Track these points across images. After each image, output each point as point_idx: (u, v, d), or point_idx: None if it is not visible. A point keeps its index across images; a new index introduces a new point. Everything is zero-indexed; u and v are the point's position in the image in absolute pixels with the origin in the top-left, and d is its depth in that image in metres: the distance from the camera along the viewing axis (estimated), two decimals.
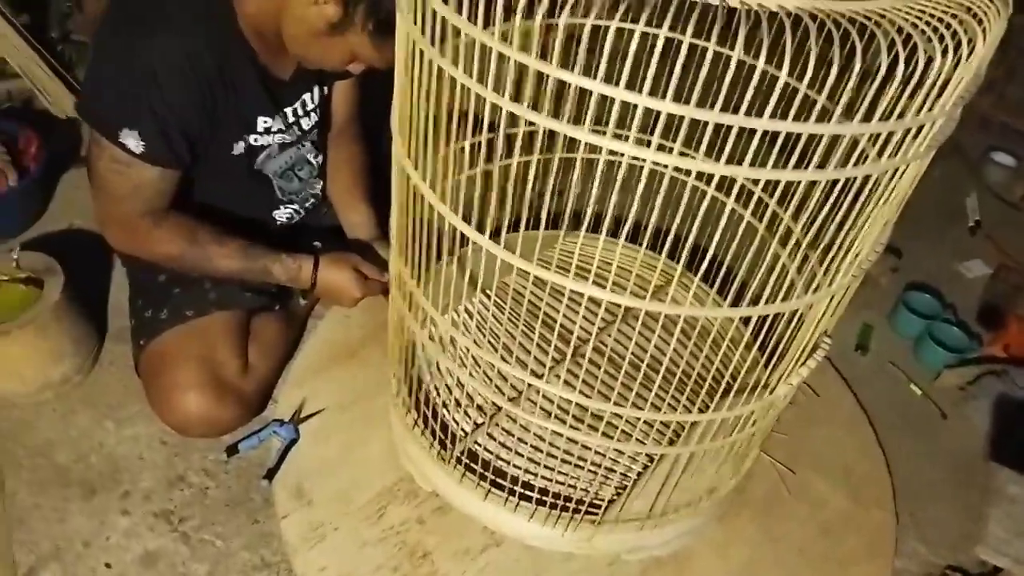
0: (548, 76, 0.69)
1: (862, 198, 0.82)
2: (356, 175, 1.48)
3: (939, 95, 0.70)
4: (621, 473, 1.21)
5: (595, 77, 0.67)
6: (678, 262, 0.86)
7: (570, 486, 1.17)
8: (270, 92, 1.24)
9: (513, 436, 1.20)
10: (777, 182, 0.72)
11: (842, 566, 1.25)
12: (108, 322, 1.46)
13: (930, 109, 0.70)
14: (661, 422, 1.20)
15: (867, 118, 0.69)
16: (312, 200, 1.47)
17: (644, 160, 0.70)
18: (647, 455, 1.23)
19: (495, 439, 1.24)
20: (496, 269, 0.88)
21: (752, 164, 0.70)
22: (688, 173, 0.97)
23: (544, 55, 0.72)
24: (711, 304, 0.85)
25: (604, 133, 0.72)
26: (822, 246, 0.92)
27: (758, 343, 1.04)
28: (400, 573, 1.14)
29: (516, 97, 0.74)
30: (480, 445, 1.22)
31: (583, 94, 0.71)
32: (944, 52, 0.66)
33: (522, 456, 1.20)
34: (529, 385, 0.97)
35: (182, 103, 1.10)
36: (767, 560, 1.24)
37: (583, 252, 1.42)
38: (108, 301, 1.50)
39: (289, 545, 1.15)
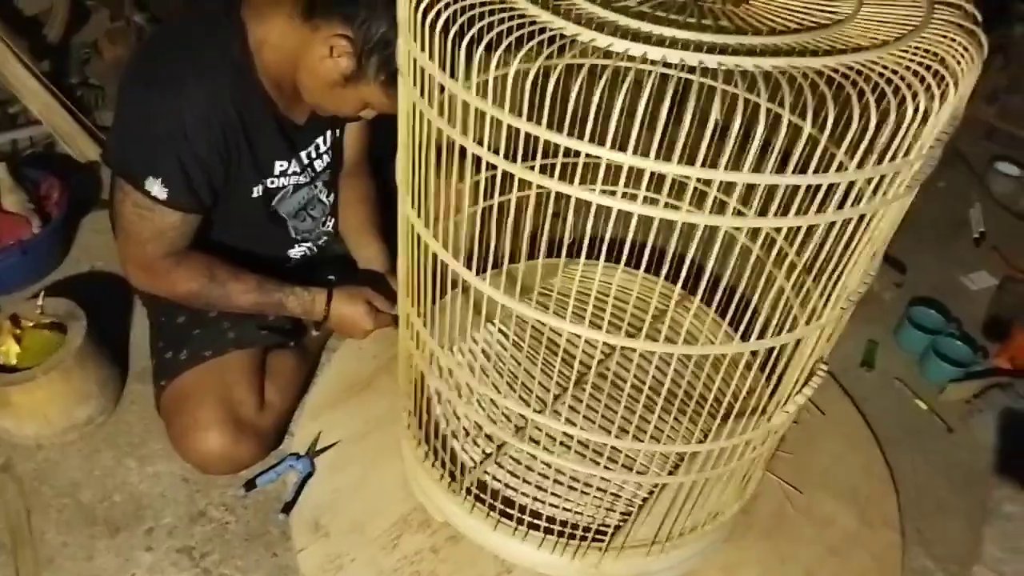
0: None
1: (847, 237, 0.85)
2: (367, 211, 1.53)
3: (912, 141, 0.73)
4: (626, 500, 1.24)
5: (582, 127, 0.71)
6: (677, 283, 0.89)
7: (576, 513, 1.20)
8: (286, 137, 1.29)
9: (521, 465, 1.23)
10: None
11: None
12: (130, 362, 1.51)
13: (906, 155, 0.73)
14: (661, 452, 1.22)
15: (846, 164, 0.73)
16: (325, 238, 1.52)
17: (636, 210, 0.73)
18: (651, 483, 1.26)
19: (504, 468, 1.27)
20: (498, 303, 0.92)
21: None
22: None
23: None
24: (704, 340, 0.87)
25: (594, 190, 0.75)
26: (815, 275, 0.95)
27: (758, 363, 1.06)
28: None
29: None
30: (489, 475, 1.26)
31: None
32: (916, 106, 0.69)
33: (530, 484, 1.23)
34: (530, 419, 1.00)
35: (206, 152, 1.16)
36: None
37: (585, 278, 1.48)
38: (130, 341, 1.55)
39: None
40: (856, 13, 0.81)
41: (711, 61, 0.66)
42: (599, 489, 1.20)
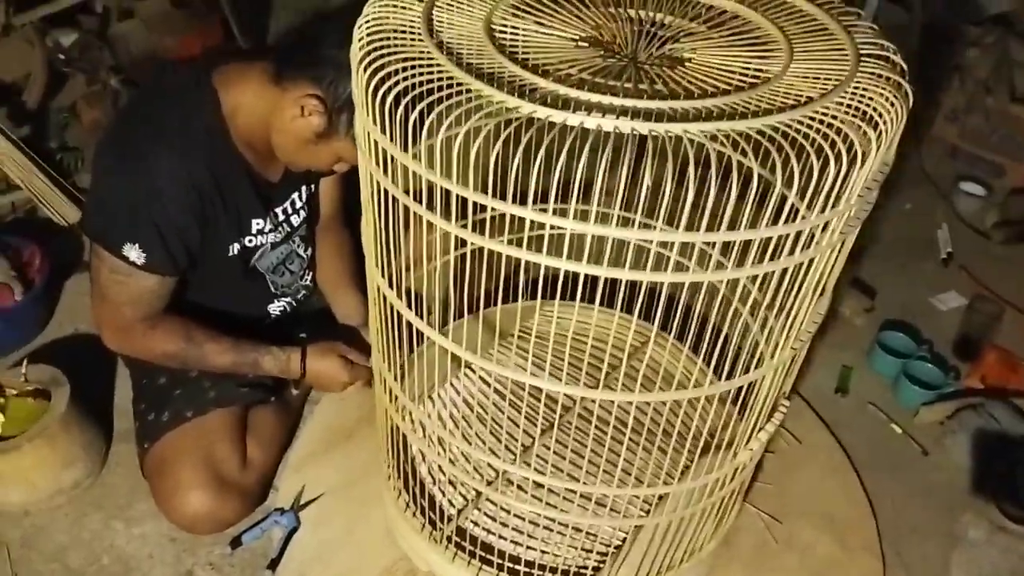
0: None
1: (796, 278, 0.89)
2: (343, 263, 1.56)
3: (839, 195, 0.77)
4: (603, 542, 1.25)
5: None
6: (652, 321, 0.93)
7: (556, 557, 1.22)
8: (261, 195, 1.33)
9: (500, 511, 1.24)
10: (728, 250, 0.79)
11: None
12: (115, 423, 1.53)
13: (834, 206, 0.77)
14: (633, 495, 1.24)
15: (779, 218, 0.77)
16: (303, 292, 1.55)
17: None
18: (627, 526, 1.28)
19: (484, 515, 1.29)
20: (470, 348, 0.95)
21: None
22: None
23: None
24: (657, 390, 0.91)
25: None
26: (776, 312, 0.98)
27: (729, 398, 1.09)
28: None
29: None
30: (470, 523, 1.27)
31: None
32: (838, 159, 0.73)
33: (510, 530, 1.25)
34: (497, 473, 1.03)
35: (183, 217, 1.19)
36: None
37: (563, 318, 1.51)
38: (114, 402, 1.57)
39: None
40: (786, 70, 0.85)
41: (643, 128, 0.71)
42: (576, 531, 1.22)
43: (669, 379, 1.35)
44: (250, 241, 1.36)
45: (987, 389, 1.73)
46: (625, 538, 1.25)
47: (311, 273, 1.56)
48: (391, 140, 0.83)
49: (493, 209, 0.78)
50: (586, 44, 0.90)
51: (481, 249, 1.11)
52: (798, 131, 0.74)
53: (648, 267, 0.76)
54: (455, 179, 0.78)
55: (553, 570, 1.15)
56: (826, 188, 0.74)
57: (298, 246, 1.48)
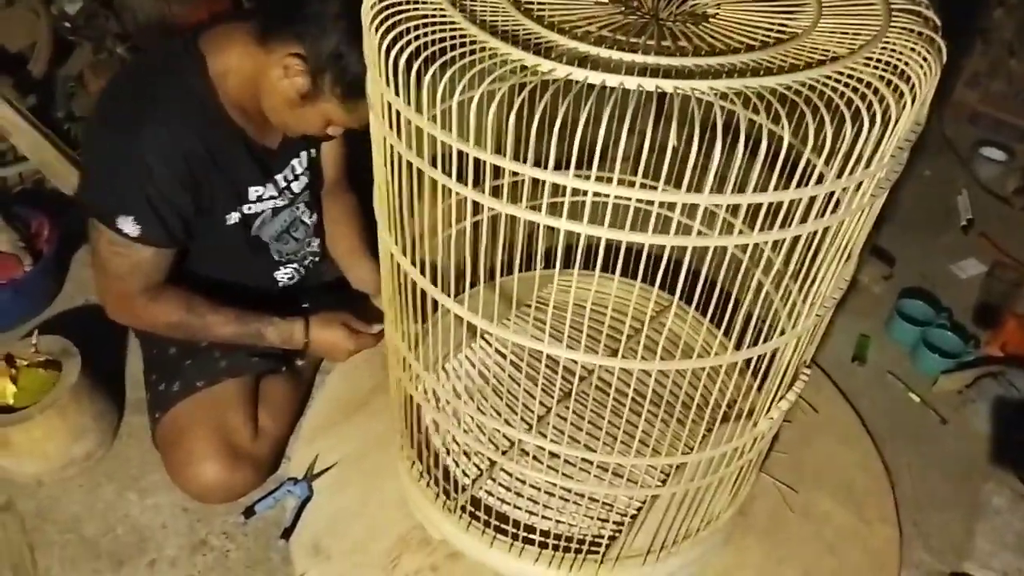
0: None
1: (816, 244, 0.86)
2: (354, 230, 1.54)
3: (871, 155, 0.74)
4: (619, 511, 1.25)
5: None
6: (677, 295, 0.91)
7: (571, 527, 1.21)
8: (260, 162, 1.31)
9: (514, 481, 1.23)
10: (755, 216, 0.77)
11: None
12: (127, 394, 1.52)
13: (865, 167, 0.74)
14: (650, 464, 1.23)
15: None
16: (311, 258, 1.53)
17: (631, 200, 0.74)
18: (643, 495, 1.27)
19: (498, 484, 1.28)
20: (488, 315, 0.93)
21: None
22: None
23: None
24: (678, 358, 0.89)
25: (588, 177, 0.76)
26: (798, 281, 0.96)
27: (750, 369, 1.07)
28: None
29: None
30: (483, 492, 1.27)
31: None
32: (871, 118, 0.70)
33: (524, 499, 1.24)
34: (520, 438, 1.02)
35: (175, 188, 1.17)
36: None
37: (582, 289, 1.48)
38: (126, 373, 1.57)
39: None
40: (815, 25, 0.82)
41: (667, 85, 0.67)
42: (591, 500, 1.21)
43: (688, 350, 1.34)
44: (249, 208, 1.33)
45: (1007, 357, 1.71)
46: (640, 508, 1.24)
47: (318, 239, 1.53)
48: (405, 102, 0.80)
49: (513, 174, 0.75)
50: (606, 1, 0.87)
51: (494, 217, 1.08)
52: (827, 88, 0.71)
53: (672, 233, 0.73)
54: (471, 143, 0.75)
55: (568, 539, 1.15)
56: (857, 149, 0.71)
57: (302, 212, 1.46)
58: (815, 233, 0.80)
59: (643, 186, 1.25)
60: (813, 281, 0.88)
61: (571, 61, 0.71)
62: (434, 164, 0.81)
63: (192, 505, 1.34)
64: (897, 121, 0.73)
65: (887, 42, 0.80)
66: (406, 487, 1.31)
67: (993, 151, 2.36)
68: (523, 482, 1.24)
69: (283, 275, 1.48)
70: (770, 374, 0.99)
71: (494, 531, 1.19)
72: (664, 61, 0.72)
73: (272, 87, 1.18)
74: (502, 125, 0.72)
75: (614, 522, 1.23)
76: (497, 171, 0.76)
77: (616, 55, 0.72)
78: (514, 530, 1.17)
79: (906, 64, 0.77)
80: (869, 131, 0.70)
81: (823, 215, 0.77)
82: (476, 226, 1.27)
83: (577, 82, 0.70)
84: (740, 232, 0.76)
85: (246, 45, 1.18)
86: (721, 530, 1.24)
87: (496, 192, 0.78)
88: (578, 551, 1.15)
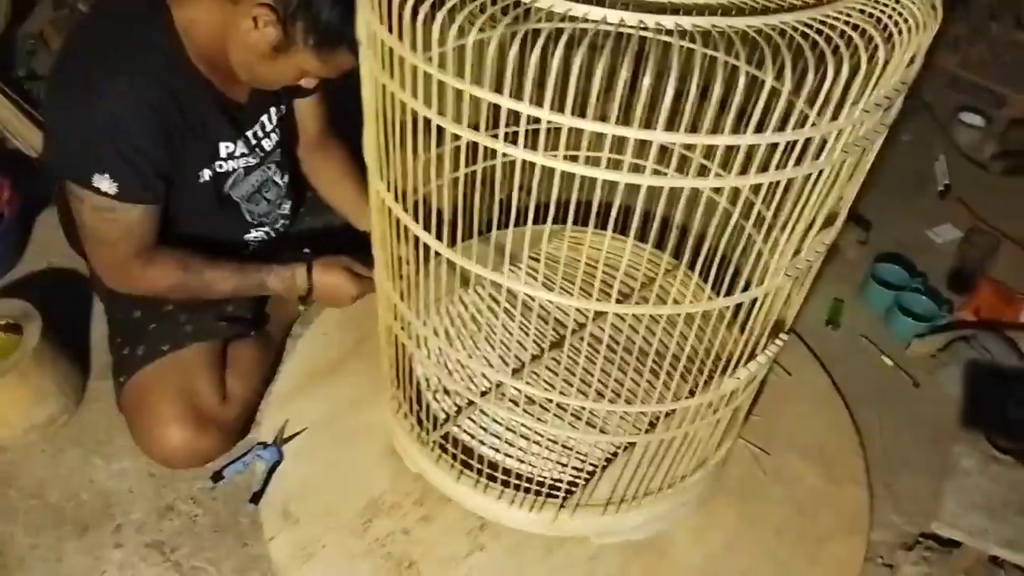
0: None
1: (809, 189, 0.85)
2: (352, 178, 1.52)
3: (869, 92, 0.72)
4: (587, 461, 1.25)
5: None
6: (666, 252, 0.90)
7: (535, 468, 1.22)
8: (229, 118, 1.28)
9: (490, 422, 1.24)
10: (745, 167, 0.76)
11: (819, 543, 1.29)
12: (92, 359, 1.49)
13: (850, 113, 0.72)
14: (624, 413, 1.24)
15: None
16: (282, 221, 1.50)
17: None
18: (615, 443, 1.27)
19: (475, 423, 1.28)
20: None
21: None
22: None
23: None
24: (670, 303, 0.87)
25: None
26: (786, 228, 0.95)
27: (735, 323, 1.08)
28: None
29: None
30: (460, 430, 1.27)
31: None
32: (857, 65, 0.68)
33: (496, 438, 1.24)
34: (501, 381, 1.02)
35: (147, 143, 1.14)
36: (745, 542, 1.28)
37: (575, 245, 1.48)
38: (90, 338, 1.53)
39: (278, 565, 1.19)
40: None
41: (667, 22, 0.65)
42: (564, 447, 1.22)
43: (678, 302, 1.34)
44: (220, 166, 1.31)
45: (980, 322, 1.71)
46: (610, 459, 1.24)
47: (290, 201, 1.51)
48: (399, 39, 0.77)
49: (514, 120, 0.73)
50: None
51: (484, 170, 1.07)
52: (810, 31, 0.69)
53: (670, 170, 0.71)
54: (476, 84, 0.73)
55: (539, 483, 1.15)
56: (835, 96, 0.69)
57: (274, 173, 1.43)
58: (795, 182, 0.79)
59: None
60: (793, 230, 0.87)
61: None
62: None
63: (159, 470, 1.32)
64: (885, 66, 0.71)
65: None
66: (388, 417, 1.31)
67: (972, 116, 2.35)
68: (499, 423, 1.24)
69: (253, 238, 1.45)
70: (746, 329, 0.98)
71: (462, 466, 1.20)
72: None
73: (242, 40, 1.14)
74: (501, 68, 0.70)
75: (580, 470, 1.23)
76: (496, 116, 0.73)
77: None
78: (480, 466, 1.18)
79: (899, 14, 0.75)
80: (852, 76, 0.68)
81: (799, 164, 0.75)
82: (465, 179, 1.25)
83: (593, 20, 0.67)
84: (716, 175, 0.74)
85: None
86: (691, 490, 1.24)
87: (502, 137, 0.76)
88: (539, 493, 1.16)
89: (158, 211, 1.22)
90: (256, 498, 1.26)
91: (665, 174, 0.78)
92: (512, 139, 0.76)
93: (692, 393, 1.02)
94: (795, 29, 0.70)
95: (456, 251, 0.91)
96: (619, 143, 0.74)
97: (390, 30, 0.80)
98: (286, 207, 1.50)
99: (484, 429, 1.26)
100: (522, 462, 1.22)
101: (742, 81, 0.66)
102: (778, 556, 1.26)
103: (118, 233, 1.18)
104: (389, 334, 1.19)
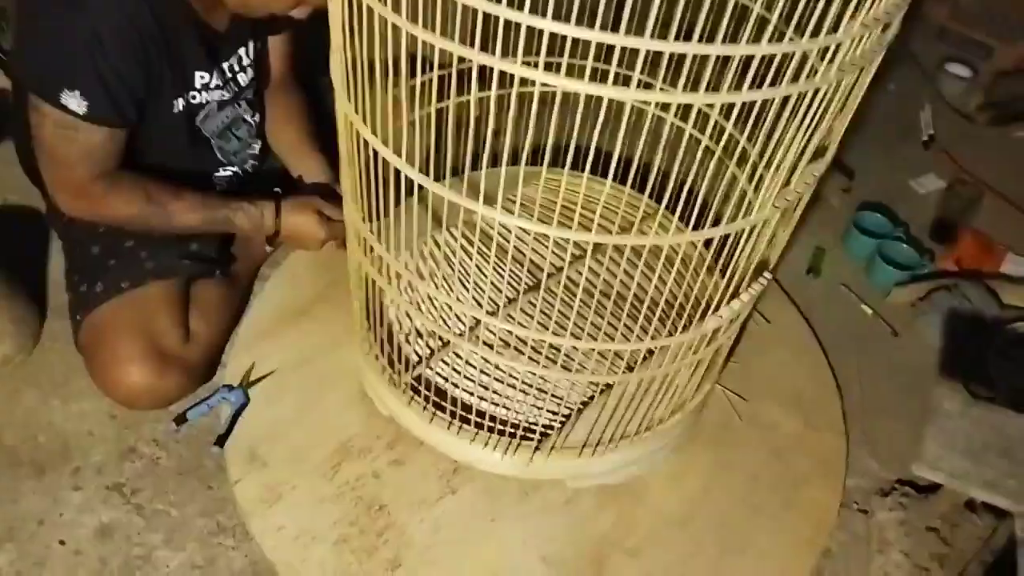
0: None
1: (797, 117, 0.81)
2: (301, 124, 1.47)
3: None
4: (563, 404, 1.23)
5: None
6: (642, 192, 0.87)
7: (508, 410, 1.20)
8: (208, 46, 1.22)
9: (464, 364, 1.20)
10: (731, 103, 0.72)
11: (795, 487, 1.28)
12: (48, 298, 1.43)
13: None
14: (600, 353, 1.21)
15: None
16: (251, 161, 1.45)
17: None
18: (590, 384, 1.25)
19: (449, 365, 1.25)
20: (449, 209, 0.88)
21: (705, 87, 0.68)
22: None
23: None
24: (652, 234, 0.83)
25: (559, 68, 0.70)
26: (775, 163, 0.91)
27: (710, 262, 1.05)
28: (357, 527, 1.15)
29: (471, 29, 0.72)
30: (433, 372, 1.24)
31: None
32: None
33: (470, 381, 1.21)
34: (477, 321, 0.98)
35: (125, 60, 1.08)
36: (721, 487, 1.26)
37: (551, 187, 1.43)
38: (47, 276, 1.47)
39: (244, 508, 1.16)
40: None
41: None
42: (539, 390, 1.19)
43: (658, 251, 1.31)
44: (194, 97, 1.25)
45: (962, 271, 1.70)
46: (586, 403, 1.22)
47: (259, 142, 1.45)
48: None
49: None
50: None
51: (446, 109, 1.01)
52: None
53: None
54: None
55: (514, 426, 1.13)
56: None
57: (244, 111, 1.37)
58: (799, 102, 0.75)
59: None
60: (784, 158, 0.83)
61: None
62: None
63: (120, 412, 1.27)
64: None
65: None
66: (360, 360, 1.28)
67: (959, 67, 2.32)
68: (472, 366, 1.21)
69: (222, 177, 1.39)
70: (729, 267, 0.95)
71: (435, 408, 1.17)
72: None
73: None
74: None
75: (556, 413, 1.21)
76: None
77: None
78: (454, 408, 1.15)
79: None
80: None
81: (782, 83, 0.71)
82: (440, 114, 1.20)
83: None
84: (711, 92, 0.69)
85: None
86: (666, 434, 1.22)
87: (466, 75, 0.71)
88: (513, 436, 1.14)
89: (123, 136, 1.16)
90: (221, 441, 1.22)
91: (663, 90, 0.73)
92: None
93: (674, 331, 0.99)
94: None
95: (430, 180, 0.86)
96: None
97: None
98: (256, 147, 1.44)
99: (458, 371, 1.22)
100: (496, 404, 1.20)
101: None
102: (753, 500, 1.25)
103: (78, 154, 1.12)
104: (359, 271, 1.14)
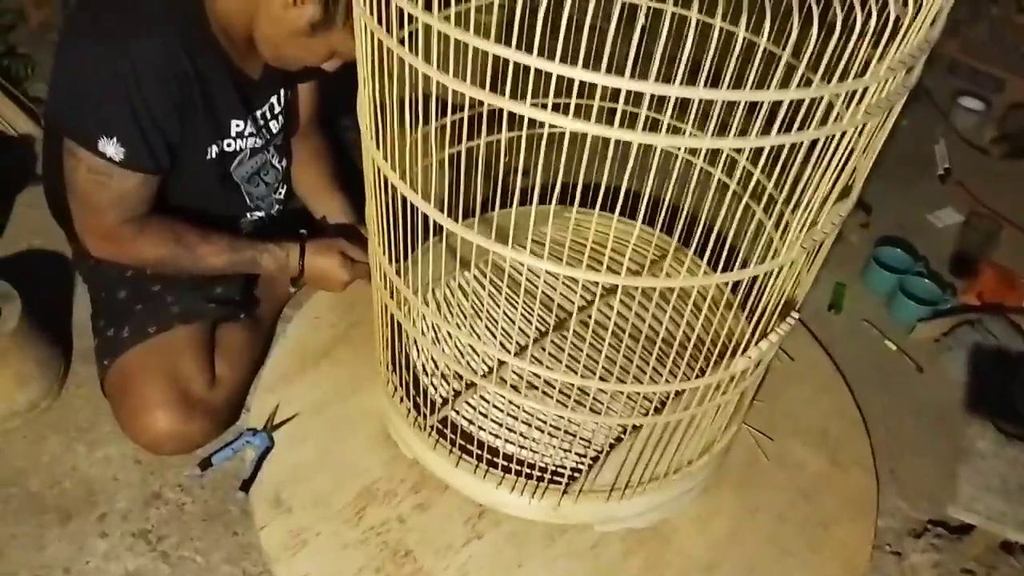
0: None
1: (817, 161, 0.81)
2: (324, 167, 1.50)
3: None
4: (590, 446, 1.22)
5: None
6: (669, 234, 0.87)
7: (533, 453, 1.19)
8: (242, 94, 1.24)
9: (489, 406, 1.20)
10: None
11: (824, 529, 1.26)
12: (74, 343, 1.44)
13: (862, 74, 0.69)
14: (628, 395, 1.20)
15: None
16: (277, 206, 1.46)
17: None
18: (619, 427, 1.24)
19: (474, 407, 1.25)
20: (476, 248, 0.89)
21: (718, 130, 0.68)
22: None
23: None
24: (683, 275, 0.84)
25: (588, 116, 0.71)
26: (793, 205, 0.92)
27: (737, 302, 1.04)
28: (383, 573, 1.14)
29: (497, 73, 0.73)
30: (458, 414, 1.23)
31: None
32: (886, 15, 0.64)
33: (495, 423, 1.21)
34: (502, 362, 0.98)
35: (162, 106, 1.09)
36: (749, 529, 1.25)
37: (581, 227, 1.44)
38: (73, 321, 1.48)
39: (270, 555, 1.15)
40: None
41: None
42: (567, 433, 1.19)
43: (685, 293, 1.31)
44: (229, 145, 1.27)
45: (984, 306, 1.69)
46: (614, 445, 1.21)
47: (285, 186, 1.47)
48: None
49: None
50: None
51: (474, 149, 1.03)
52: None
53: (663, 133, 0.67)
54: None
55: (542, 469, 1.13)
56: (866, 47, 0.65)
57: (273, 156, 1.40)
58: (807, 153, 0.75)
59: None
60: (811, 200, 0.84)
61: None
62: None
63: (145, 457, 1.27)
64: (914, 16, 0.67)
65: None
66: (383, 402, 1.28)
67: (971, 101, 2.33)
68: (499, 408, 1.21)
69: (249, 221, 1.41)
70: (757, 309, 0.95)
71: (460, 451, 1.16)
72: None
73: (276, 15, 1.10)
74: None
75: (583, 456, 1.20)
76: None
77: None
78: (480, 451, 1.15)
79: None
80: (860, 38, 0.64)
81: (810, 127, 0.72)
82: (458, 158, 1.21)
83: None
84: (713, 135, 0.70)
85: None
86: (694, 476, 1.21)
87: (478, 120, 0.72)
88: (541, 479, 1.13)
89: (156, 182, 1.17)
90: (246, 486, 1.22)
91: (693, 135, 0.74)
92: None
93: (701, 373, 0.98)
94: None
95: (458, 224, 0.86)
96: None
97: None
98: (282, 192, 1.46)
99: (483, 414, 1.22)
100: (523, 447, 1.19)
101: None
102: (782, 543, 1.23)
103: (110, 199, 1.13)
104: (384, 313, 1.14)
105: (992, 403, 1.43)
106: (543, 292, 1.40)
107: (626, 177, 0.78)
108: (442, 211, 0.87)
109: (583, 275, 0.82)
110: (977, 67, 2.44)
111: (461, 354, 1.28)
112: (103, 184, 1.11)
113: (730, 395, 1.08)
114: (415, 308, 1.03)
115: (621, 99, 0.70)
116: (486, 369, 1.26)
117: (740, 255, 0.88)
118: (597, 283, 0.82)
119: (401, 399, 1.22)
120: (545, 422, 1.18)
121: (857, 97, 0.75)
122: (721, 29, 0.67)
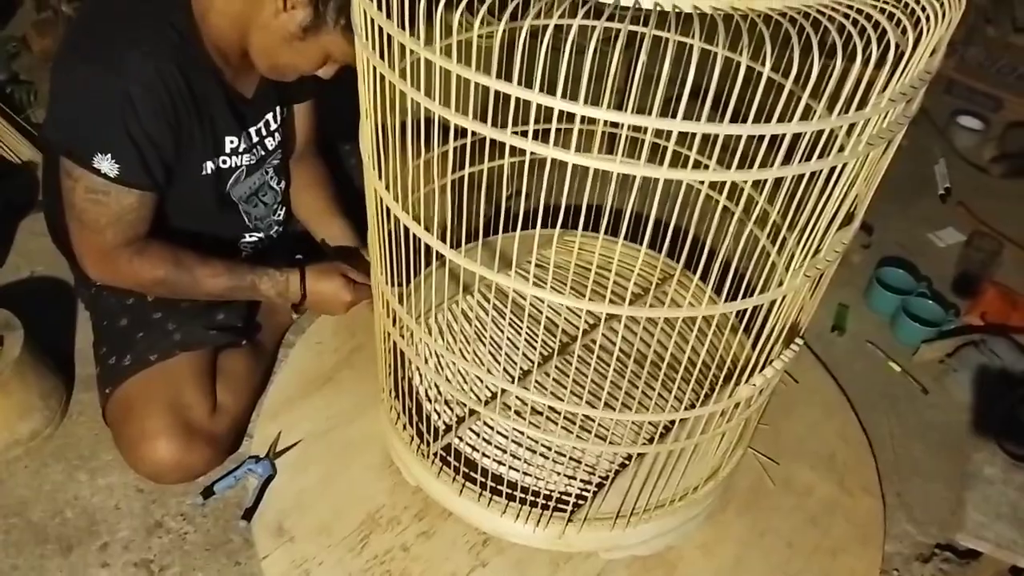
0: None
1: (820, 190, 0.82)
2: (324, 191, 1.50)
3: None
4: (594, 473, 1.21)
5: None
6: (675, 259, 0.87)
7: (538, 480, 1.18)
8: (236, 111, 1.24)
9: (492, 433, 1.20)
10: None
11: (833, 555, 1.25)
12: (75, 371, 1.44)
13: (858, 108, 0.69)
14: (632, 422, 1.20)
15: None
16: (276, 228, 1.46)
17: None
18: (623, 454, 1.23)
19: (476, 434, 1.24)
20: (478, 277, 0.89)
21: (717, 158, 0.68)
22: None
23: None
24: (686, 306, 0.83)
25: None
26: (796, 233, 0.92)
27: (742, 330, 1.04)
28: None
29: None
30: (460, 441, 1.23)
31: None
32: (885, 47, 0.65)
33: (501, 451, 1.20)
34: (504, 389, 0.98)
35: (156, 123, 1.10)
36: (756, 556, 1.24)
37: (585, 251, 1.44)
38: (75, 349, 1.48)
39: None
40: None
41: (687, 5, 0.62)
42: (572, 460, 1.18)
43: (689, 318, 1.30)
44: (224, 162, 1.27)
45: (987, 326, 1.69)
46: (619, 471, 1.20)
47: (284, 208, 1.46)
48: (400, 28, 0.74)
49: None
50: None
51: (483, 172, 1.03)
52: (823, 17, 0.66)
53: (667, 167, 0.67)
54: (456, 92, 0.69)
55: (547, 496, 1.12)
56: (846, 88, 0.65)
57: (271, 177, 1.39)
58: (822, 173, 0.75)
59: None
60: (815, 228, 0.84)
61: None
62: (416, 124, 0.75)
63: (147, 486, 1.26)
64: (915, 48, 0.67)
65: None
66: (385, 430, 1.27)
67: (970, 120, 2.34)
68: (503, 435, 1.20)
69: (248, 243, 1.41)
70: (761, 337, 0.95)
71: (464, 479, 1.15)
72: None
73: (267, 22, 1.11)
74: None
75: (587, 483, 1.19)
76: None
77: None
78: (483, 479, 1.14)
79: (920, 5, 0.72)
80: (863, 68, 0.64)
81: (810, 159, 0.72)
82: (460, 183, 1.22)
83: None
84: (713, 169, 0.70)
85: None
86: (700, 502, 1.20)
87: (477, 146, 0.72)
88: (546, 507, 1.12)
89: (154, 200, 1.17)
90: (248, 514, 1.21)
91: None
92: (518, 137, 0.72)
93: (706, 400, 0.98)
94: (821, 13, 0.66)
95: (459, 253, 0.86)
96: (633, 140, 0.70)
97: (392, 20, 0.76)
98: (280, 213, 1.46)
99: (487, 441, 1.21)
100: (527, 474, 1.18)
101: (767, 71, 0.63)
102: (789, 570, 1.22)
103: (108, 218, 1.13)
104: (386, 340, 1.14)
105: (998, 425, 1.42)
106: (546, 317, 1.40)
107: (628, 201, 0.79)
108: (444, 236, 0.87)
109: (586, 305, 0.82)
110: (974, 86, 2.45)
111: (464, 380, 1.28)
112: (100, 203, 1.11)
113: (735, 422, 1.07)
114: (416, 334, 1.03)
115: (625, 126, 0.70)
116: (489, 396, 1.26)
117: (744, 280, 0.88)
118: (603, 314, 0.82)
119: (404, 426, 1.22)
120: (549, 449, 1.17)
121: (859, 129, 0.75)
122: (719, 55, 0.68)
